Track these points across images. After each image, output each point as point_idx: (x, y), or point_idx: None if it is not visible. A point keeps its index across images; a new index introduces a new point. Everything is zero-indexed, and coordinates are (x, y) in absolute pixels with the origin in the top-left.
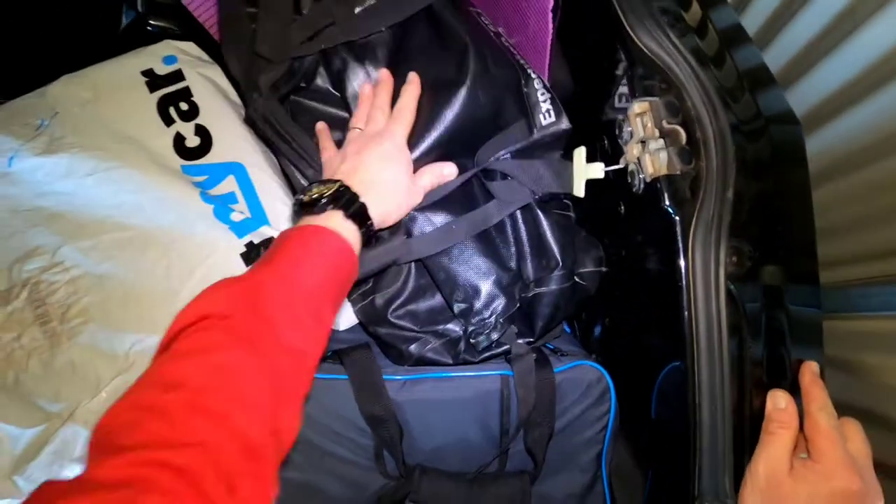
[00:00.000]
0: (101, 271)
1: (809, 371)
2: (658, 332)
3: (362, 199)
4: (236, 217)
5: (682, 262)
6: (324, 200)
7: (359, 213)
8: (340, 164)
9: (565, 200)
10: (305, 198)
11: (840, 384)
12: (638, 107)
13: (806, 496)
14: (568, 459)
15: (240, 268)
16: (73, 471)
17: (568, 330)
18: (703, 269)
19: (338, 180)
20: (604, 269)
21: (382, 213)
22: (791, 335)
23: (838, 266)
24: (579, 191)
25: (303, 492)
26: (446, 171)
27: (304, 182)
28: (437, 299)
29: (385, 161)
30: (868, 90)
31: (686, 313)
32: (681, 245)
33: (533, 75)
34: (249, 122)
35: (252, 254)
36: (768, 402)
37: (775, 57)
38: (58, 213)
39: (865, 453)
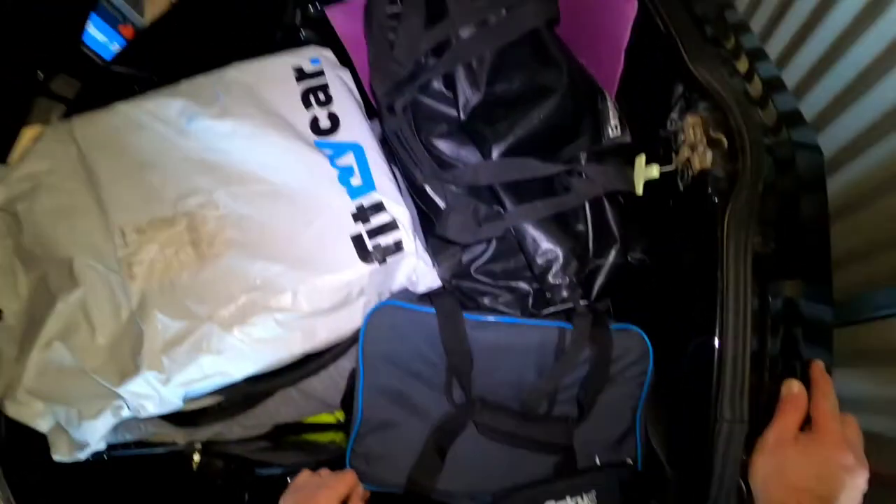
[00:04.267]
0: (243, 212)
1: (818, 367)
2: (693, 307)
3: None
4: (354, 182)
5: (719, 235)
6: None
7: None
8: None
9: (622, 199)
10: None
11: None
12: (692, 119)
13: (804, 459)
14: (607, 410)
15: (349, 224)
16: (206, 359)
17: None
18: (735, 241)
19: None
20: (648, 258)
21: None
22: (805, 326)
23: (860, 286)
24: (639, 189)
25: (389, 397)
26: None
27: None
28: (511, 263)
29: None
30: (881, 135)
31: (720, 275)
32: (718, 222)
33: (607, 96)
34: (383, 135)
35: (360, 214)
36: (783, 388)
37: (809, 106)
38: (218, 165)
39: (857, 437)
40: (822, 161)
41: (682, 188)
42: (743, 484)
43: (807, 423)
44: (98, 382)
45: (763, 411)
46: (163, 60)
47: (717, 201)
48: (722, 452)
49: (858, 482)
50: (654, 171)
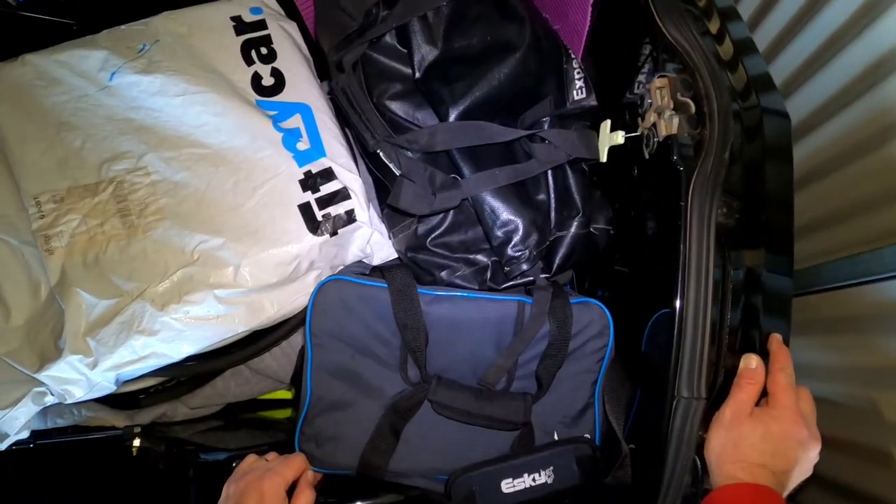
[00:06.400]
0: (178, 179)
1: (776, 339)
2: (654, 280)
3: None
4: (301, 146)
5: (682, 204)
6: None
7: None
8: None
9: (585, 166)
10: None
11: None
12: (659, 81)
13: (760, 433)
14: (566, 385)
15: (296, 192)
16: (138, 340)
17: (568, 288)
18: (699, 212)
19: None
20: (612, 229)
21: None
22: (765, 297)
23: (819, 255)
24: (603, 157)
25: (340, 376)
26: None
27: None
28: (469, 234)
29: None
30: (846, 103)
31: (682, 246)
32: (683, 191)
33: (573, 55)
34: (331, 92)
35: (308, 181)
36: (742, 363)
37: (777, 70)
38: (146, 125)
39: (811, 410)
40: (789, 129)
41: (647, 156)
42: (698, 459)
43: (763, 395)
44: (14, 368)
45: (722, 385)
46: (83, 5)
47: (681, 169)
48: (678, 429)
49: (811, 455)
50: (619, 138)
